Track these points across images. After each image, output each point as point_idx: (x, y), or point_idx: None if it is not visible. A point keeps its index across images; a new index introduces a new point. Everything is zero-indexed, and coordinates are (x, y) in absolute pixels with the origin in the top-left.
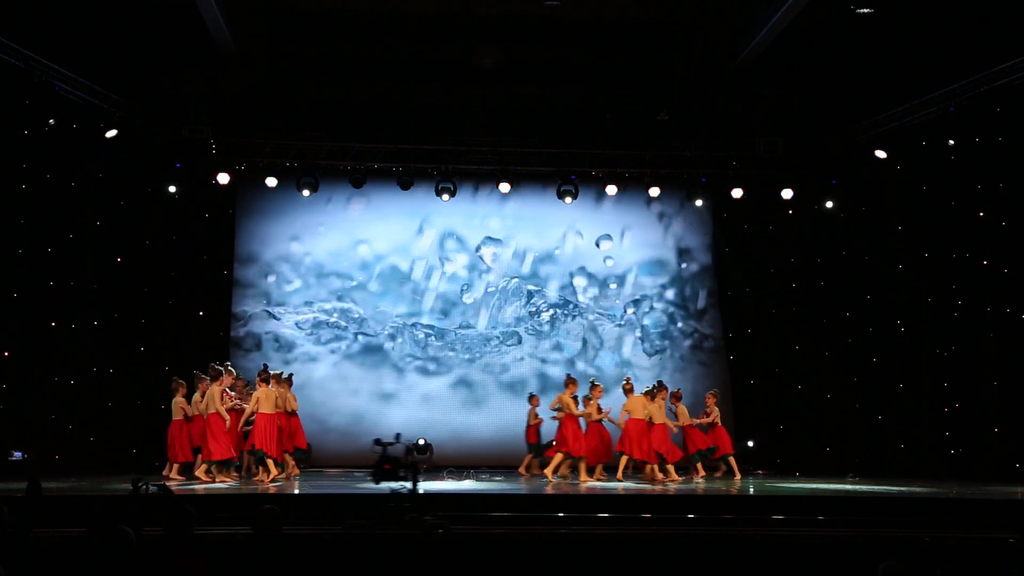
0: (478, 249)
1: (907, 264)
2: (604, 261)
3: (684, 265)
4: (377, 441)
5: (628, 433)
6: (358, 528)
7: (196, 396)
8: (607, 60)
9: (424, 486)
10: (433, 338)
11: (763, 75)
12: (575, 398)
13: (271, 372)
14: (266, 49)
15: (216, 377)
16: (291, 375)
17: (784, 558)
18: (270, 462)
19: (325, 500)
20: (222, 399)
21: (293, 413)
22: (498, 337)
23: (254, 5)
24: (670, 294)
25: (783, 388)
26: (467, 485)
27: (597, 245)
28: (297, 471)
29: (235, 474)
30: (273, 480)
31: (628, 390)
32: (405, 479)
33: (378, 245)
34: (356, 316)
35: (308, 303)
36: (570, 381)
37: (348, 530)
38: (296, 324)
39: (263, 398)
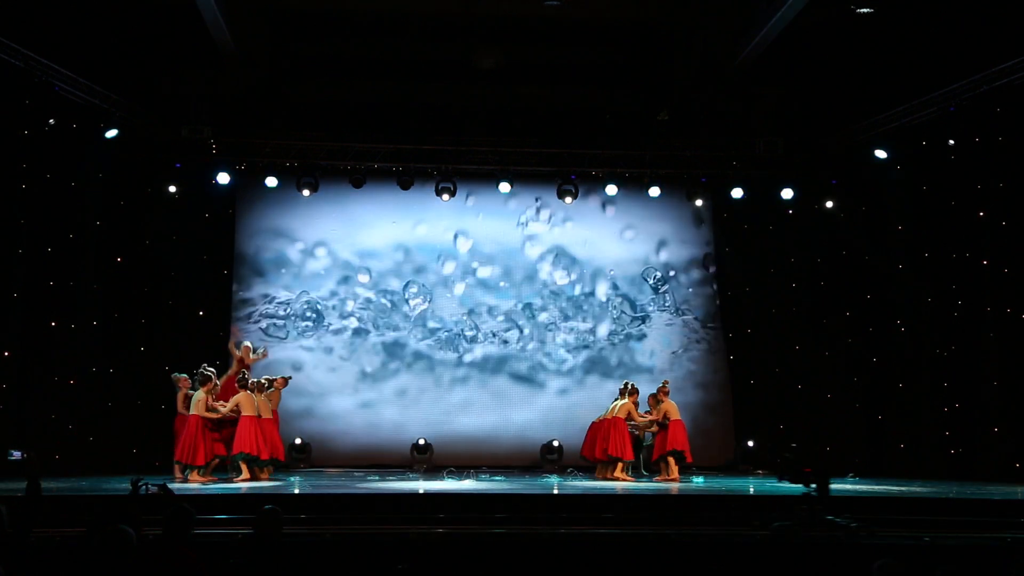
0: (480, 249)
1: (907, 264)
2: (583, 254)
3: (683, 264)
4: (788, 447)
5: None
6: (784, 531)
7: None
8: (607, 60)
9: (425, 486)
10: (432, 337)
11: (763, 75)
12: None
13: (248, 378)
14: (266, 49)
15: (204, 381)
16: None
17: (784, 558)
18: (243, 464)
19: (327, 500)
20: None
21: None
22: (499, 337)
23: (254, 5)
24: (670, 294)
25: (783, 388)
26: (469, 485)
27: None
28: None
29: (201, 478)
30: (245, 481)
31: (666, 394)
32: (815, 482)
33: (377, 245)
34: (356, 315)
35: (307, 302)
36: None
37: (775, 533)
38: (295, 323)
39: (244, 402)
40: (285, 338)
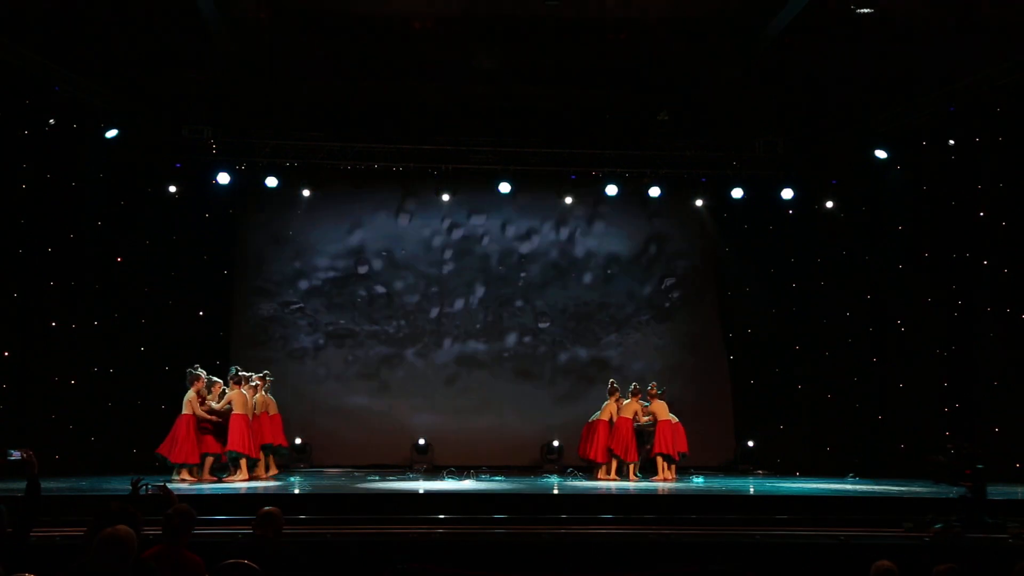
0: (480, 249)
1: (907, 264)
2: (598, 259)
3: (683, 265)
4: (943, 447)
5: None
6: (948, 534)
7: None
8: (607, 60)
9: (425, 485)
10: (432, 337)
11: (763, 75)
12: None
13: (241, 374)
14: (266, 49)
15: (194, 380)
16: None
17: (784, 558)
18: (243, 462)
19: (327, 500)
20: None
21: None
22: (499, 337)
23: (253, 4)
24: (669, 294)
25: (783, 388)
26: (469, 485)
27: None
28: (275, 470)
29: (192, 477)
30: (246, 481)
31: (653, 395)
32: (973, 485)
33: (377, 244)
34: (355, 314)
35: (307, 301)
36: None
37: (939, 536)
38: (295, 323)
39: (236, 400)
40: (284, 337)
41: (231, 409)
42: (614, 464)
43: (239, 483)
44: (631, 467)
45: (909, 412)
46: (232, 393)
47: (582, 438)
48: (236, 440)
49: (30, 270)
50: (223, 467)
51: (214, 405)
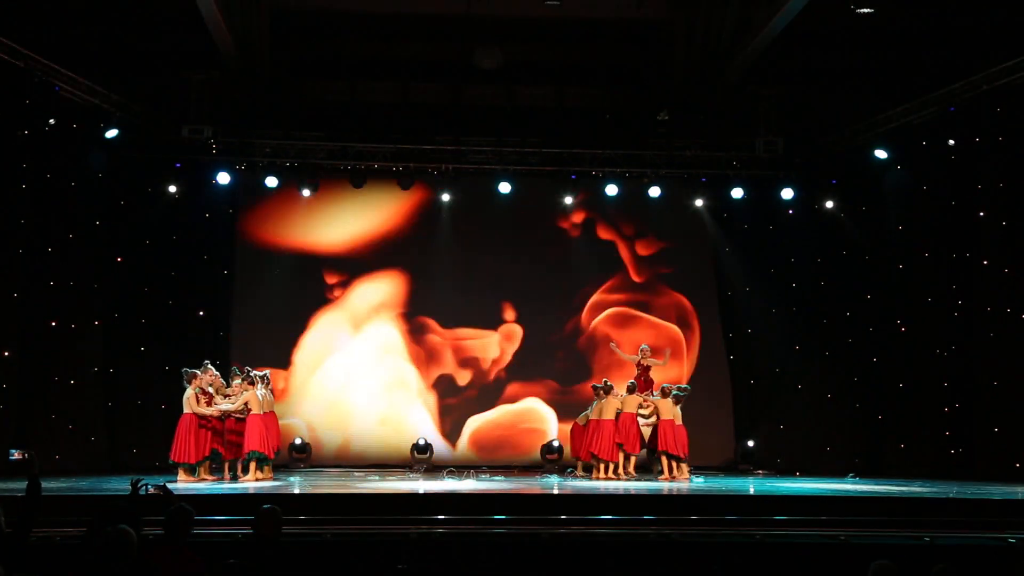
0: (479, 246)
1: (907, 264)
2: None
3: (683, 264)
4: None
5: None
6: None
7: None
8: (607, 60)
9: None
10: (432, 335)
11: (763, 75)
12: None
13: (252, 374)
14: (266, 49)
15: (192, 379)
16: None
17: (784, 558)
18: (252, 464)
19: (327, 500)
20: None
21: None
22: (499, 336)
23: (254, 5)
24: (670, 294)
25: (783, 388)
26: (469, 485)
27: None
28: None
29: (190, 477)
30: (258, 481)
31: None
32: None
33: (377, 243)
34: (356, 313)
35: (307, 301)
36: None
37: None
38: (295, 322)
39: (252, 400)
40: (284, 337)
41: (249, 409)
42: (613, 464)
43: (249, 483)
44: (605, 465)
45: (909, 412)
46: (248, 395)
47: (586, 438)
48: (256, 440)
49: (30, 270)
50: (221, 467)
51: (228, 407)
